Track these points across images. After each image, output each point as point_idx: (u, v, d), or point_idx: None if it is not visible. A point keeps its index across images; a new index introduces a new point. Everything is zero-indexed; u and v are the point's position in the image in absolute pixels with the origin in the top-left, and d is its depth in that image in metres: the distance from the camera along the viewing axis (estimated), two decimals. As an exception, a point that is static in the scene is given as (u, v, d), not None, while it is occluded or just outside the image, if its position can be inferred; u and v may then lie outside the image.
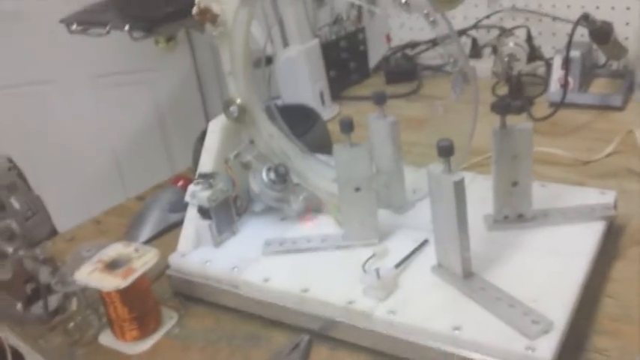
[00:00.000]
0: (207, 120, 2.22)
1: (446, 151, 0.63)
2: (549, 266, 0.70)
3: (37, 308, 0.86)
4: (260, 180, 0.85)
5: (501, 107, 0.71)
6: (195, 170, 0.89)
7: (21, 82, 2.13)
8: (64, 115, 2.17)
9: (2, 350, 0.80)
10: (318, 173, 0.88)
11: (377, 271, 0.70)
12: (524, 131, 0.72)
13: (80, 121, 2.18)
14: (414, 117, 1.24)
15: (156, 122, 2.23)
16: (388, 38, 1.60)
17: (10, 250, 0.87)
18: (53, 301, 0.86)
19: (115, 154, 2.25)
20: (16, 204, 1.01)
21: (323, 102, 1.35)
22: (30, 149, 2.00)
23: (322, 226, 0.85)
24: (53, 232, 1.09)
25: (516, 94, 1.22)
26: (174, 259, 0.84)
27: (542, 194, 0.81)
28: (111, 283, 0.74)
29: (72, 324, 0.80)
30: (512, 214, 0.77)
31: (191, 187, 0.85)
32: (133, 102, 2.19)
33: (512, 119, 0.74)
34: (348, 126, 0.73)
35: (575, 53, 1.18)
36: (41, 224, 1.06)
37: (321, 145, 1.01)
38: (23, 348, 0.84)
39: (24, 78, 2.12)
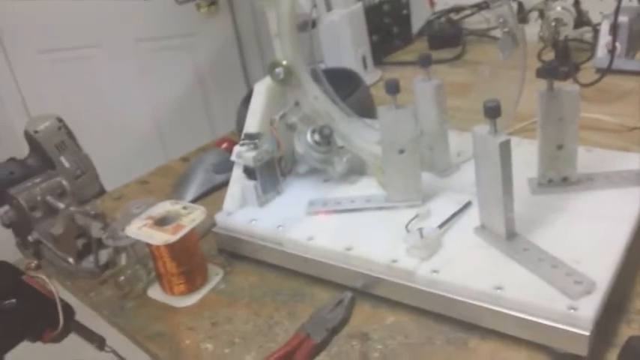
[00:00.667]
0: (248, 84, 2.25)
1: (493, 111, 0.63)
2: (592, 229, 0.70)
3: (88, 263, 0.90)
4: (305, 141, 0.86)
5: (549, 69, 0.71)
6: (239, 133, 0.90)
7: (68, 46, 2.17)
8: (108, 79, 2.21)
9: (53, 304, 0.84)
10: (362, 136, 0.89)
11: (420, 230, 0.71)
12: (572, 94, 0.72)
13: (124, 84, 2.22)
14: (458, 82, 1.23)
15: (197, 87, 2.25)
16: (432, 2, 1.58)
17: (61, 206, 0.90)
18: (103, 256, 0.89)
19: (157, 118, 2.29)
20: (65, 163, 1.04)
21: (365, 67, 1.35)
22: (75, 111, 2.05)
23: (366, 188, 0.86)
24: (102, 192, 1.12)
25: (563, 60, 1.20)
26: (220, 218, 0.86)
27: (587, 159, 0.81)
28: (161, 237, 0.76)
29: (122, 277, 0.83)
30: (557, 178, 0.77)
31: (237, 148, 0.86)
32: (175, 67, 2.22)
33: (558, 84, 0.74)
34: (394, 87, 0.74)
35: (623, 18, 1.16)
36: (90, 183, 1.09)
37: (364, 109, 1.02)
38: (74, 301, 0.87)
39: (71, 42, 2.16)
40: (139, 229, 0.78)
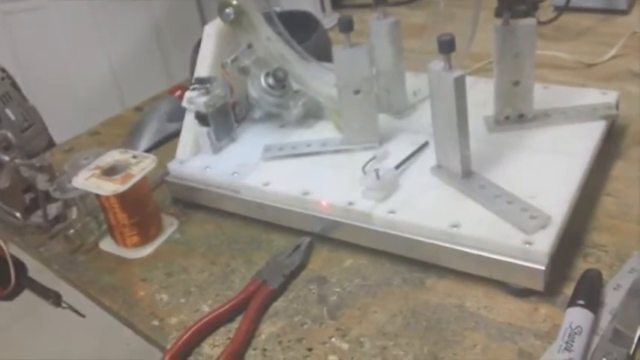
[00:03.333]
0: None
1: (446, 45, 0.61)
2: (549, 164, 0.70)
3: (37, 217, 0.87)
4: (258, 85, 0.84)
5: (506, 2, 0.69)
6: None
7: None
8: (60, 30, 2.13)
9: (4, 260, 0.81)
10: (318, 78, 0.86)
11: (377, 172, 0.69)
12: (528, 27, 0.71)
13: (77, 36, 2.14)
14: (414, 24, 1.21)
15: (153, 36, 2.20)
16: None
17: (6, 159, 0.86)
18: (53, 209, 0.86)
19: (113, 69, 2.23)
20: (11, 115, 1.00)
21: (323, 10, 1.32)
22: (27, 64, 1.97)
23: (322, 131, 0.84)
24: (51, 144, 1.08)
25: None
26: (173, 166, 0.84)
27: (544, 95, 0.80)
28: (109, 187, 0.73)
29: (72, 231, 0.81)
30: (513, 115, 0.76)
31: (188, 93, 0.83)
32: (130, 16, 2.16)
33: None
34: (347, 25, 0.72)
35: (581, -46, 1.14)
36: (38, 136, 1.05)
37: (322, 53, 0.98)
38: (29, 260, 0.84)
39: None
40: (86, 180, 0.75)
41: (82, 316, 0.87)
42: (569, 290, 0.60)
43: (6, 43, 2.12)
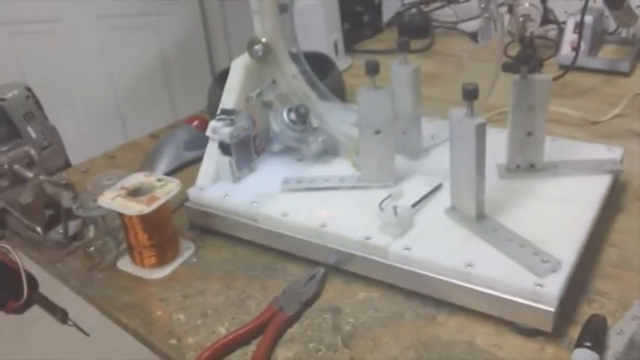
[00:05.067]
0: (213, 67, 2.24)
1: (470, 94, 0.65)
2: (558, 213, 0.73)
3: (56, 233, 0.89)
4: (281, 120, 0.87)
5: (524, 58, 0.74)
6: (210, 112, 0.90)
7: (27, 20, 2.11)
8: (67, 55, 2.16)
9: (17, 275, 0.82)
10: (338, 117, 0.90)
11: (394, 208, 0.73)
12: (544, 82, 0.75)
13: (84, 61, 2.18)
14: (427, 72, 1.25)
15: (160, 67, 2.23)
16: (403, -7, 1.61)
17: (30, 175, 0.89)
18: (71, 227, 0.88)
19: (117, 97, 2.26)
20: (32, 133, 1.02)
21: (337, 53, 1.36)
22: (33, 86, 2.00)
23: (338, 168, 0.88)
24: (67, 164, 1.10)
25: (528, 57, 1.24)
26: (193, 192, 0.86)
27: (553, 148, 0.84)
28: (135, 208, 0.76)
29: (92, 248, 0.83)
30: (524, 164, 0.80)
31: (213, 123, 0.86)
32: (138, 46, 2.20)
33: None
34: (373, 68, 0.75)
35: (588, 18, 1.20)
36: (56, 155, 1.07)
37: (336, 94, 1.03)
38: (39, 273, 0.86)
39: (30, 15, 2.11)
40: (112, 200, 0.78)
41: (87, 334, 0.88)
42: (574, 333, 0.63)
43: (14, 64, 2.16)
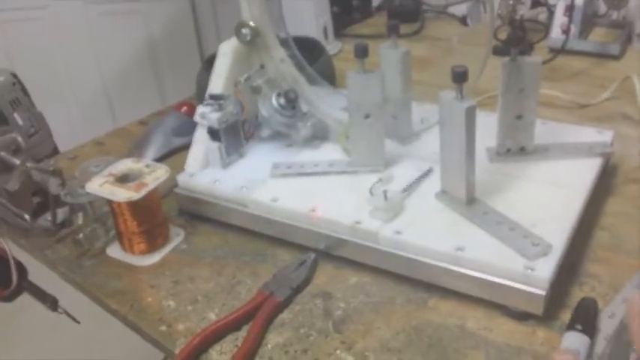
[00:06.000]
0: (202, 53, 2.22)
1: (460, 76, 0.65)
2: (549, 196, 0.73)
3: (44, 220, 0.88)
4: (269, 105, 0.87)
5: (513, 39, 0.73)
6: (199, 98, 0.89)
7: (13, 7, 2.09)
8: (55, 41, 2.14)
9: (6, 262, 0.82)
10: (326, 101, 0.89)
11: (384, 193, 0.72)
12: (534, 64, 0.75)
13: (71, 48, 2.16)
14: (417, 56, 1.24)
15: (148, 53, 2.21)
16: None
17: (17, 162, 0.88)
18: (60, 214, 0.88)
19: (106, 84, 2.24)
20: (19, 120, 1.01)
21: (326, 37, 1.35)
22: (20, 73, 1.98)
23: (328, 153, 0.87)
24: (55, 151, 1.09)
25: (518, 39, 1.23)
26: (182, 178, 0.86)
27: (543, 131, 0.84)
28: (123, 194, 0.75)
29: (81, 235, 0.82)
30: (515, 147, 0.80)
31: (201, 108, 0.85)
32: (126, 32, 2.17)
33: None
34: (362, 51, 0.75)
35: (578, 0, 1.20)
36: (43, 142, 1.06)
37: (325, 79, 1.02)
38: (27, 261, 0.85)
39: (17, 2, 2.08)
40: (101, 186, 0.77)
41: (77, 322, 0.88)
42: (565, 316, 0.63)
43: (1, 51, 2.14)
